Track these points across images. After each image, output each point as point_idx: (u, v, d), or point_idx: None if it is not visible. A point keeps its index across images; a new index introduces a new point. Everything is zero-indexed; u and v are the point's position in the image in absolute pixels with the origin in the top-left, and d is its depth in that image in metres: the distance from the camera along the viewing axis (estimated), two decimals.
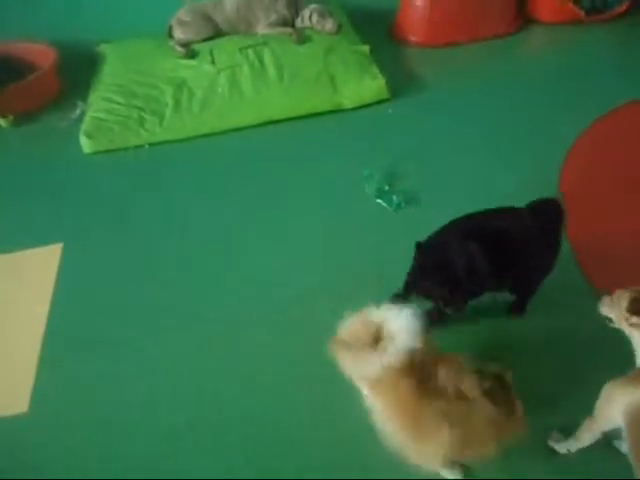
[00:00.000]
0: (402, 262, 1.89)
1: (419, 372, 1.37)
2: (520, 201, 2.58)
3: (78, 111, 3.54)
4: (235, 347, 2.14)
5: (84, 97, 3.59)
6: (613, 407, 1.45)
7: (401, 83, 3.56)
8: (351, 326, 1.46)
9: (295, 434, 1.84)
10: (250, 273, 2.43)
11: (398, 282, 1.95)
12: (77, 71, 3.88)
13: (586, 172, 2.82)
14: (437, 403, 1.33)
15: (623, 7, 4.04)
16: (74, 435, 1.91)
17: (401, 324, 1.35)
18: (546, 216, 1.88)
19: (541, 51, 4.04)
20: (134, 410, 1.96)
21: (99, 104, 3.41)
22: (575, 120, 3.10)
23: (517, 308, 2.07)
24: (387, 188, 2.77)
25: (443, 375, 1.37)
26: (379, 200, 2.71)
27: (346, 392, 1.84)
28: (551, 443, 1.69)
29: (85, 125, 3.30)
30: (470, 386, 1.36)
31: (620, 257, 2.30)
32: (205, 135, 3.30)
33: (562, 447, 1.67)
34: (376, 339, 1.38)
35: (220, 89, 3.38)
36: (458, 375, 1.38)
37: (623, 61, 3.68)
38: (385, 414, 1.42)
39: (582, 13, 3.99)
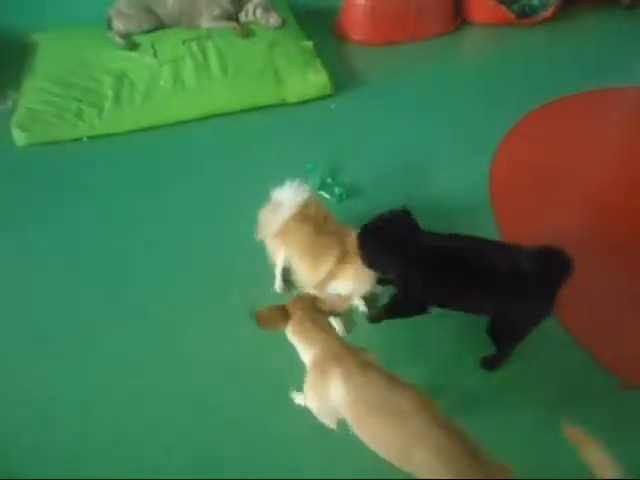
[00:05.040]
0: None
1: (315, 221, 2.02)
2: (453, 194, 2.75)
3: (9, 102, 3.38)
4: (175, 340, 2.14)
5: (16, 88, 3.43)
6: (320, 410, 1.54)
7: (344, 79, 3.65)
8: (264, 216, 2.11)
9: (238, 425, 1.86)
10: (191, 265, 2.43)
11: None
12: (7, 60, 3.69)
13: (515, 164, 3.00)
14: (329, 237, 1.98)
15: (550, 12, 4.33)
16: (12, 428, 1.87)
17: (285, 193, 2.04)
18: (547, 266, 1.66)
19: (475, 51, 4.25)
20: (72, 407, 1.93)
21: (33, 95, 3.27)
22: (506, 115, 3.29)
23: (490, 363, 1.98)
24: (330, 180, 2.84)
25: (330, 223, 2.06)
26: (322, 192, 2.77)
27: (289, 385, 1.91)
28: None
29: (18, 117, 3.16)
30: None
31: None
32: (146, 128, 3.24)
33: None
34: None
35: (162, 82, 3.33)
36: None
37: (549, 61, 3.93)
38: (294, 253, 2.04)
39: (513, 16, 4.24)
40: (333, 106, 3.46)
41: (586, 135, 3.21)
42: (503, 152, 3.04)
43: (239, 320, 2.12)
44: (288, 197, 2.03)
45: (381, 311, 2.09)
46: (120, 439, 1.83)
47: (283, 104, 3.42)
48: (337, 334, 1.57)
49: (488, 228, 2.53)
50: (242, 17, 3.80)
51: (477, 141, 3.12)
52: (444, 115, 3.37)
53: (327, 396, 1.45)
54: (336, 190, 2.76)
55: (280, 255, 2.17)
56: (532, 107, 3.37)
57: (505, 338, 1.92)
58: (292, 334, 1.55)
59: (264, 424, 1.86)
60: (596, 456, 1.20)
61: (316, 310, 1.56)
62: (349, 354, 1.47)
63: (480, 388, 1.94)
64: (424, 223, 2.49)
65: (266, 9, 3.73)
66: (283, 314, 1.55)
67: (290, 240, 2.05)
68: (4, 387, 2.00)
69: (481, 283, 1.75)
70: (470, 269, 1.75)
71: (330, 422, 1.56)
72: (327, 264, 1.96)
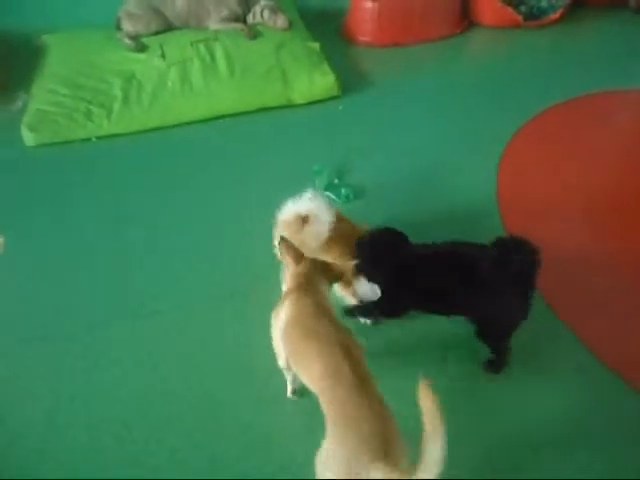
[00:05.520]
0: None
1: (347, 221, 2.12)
2: (460, 195, 2.75)
3: (19, 103, 3.42)
4: (181, 337, 2.14)
5: (26, 88, 3.47)
6: (275, 336, 1.65)
7: (351, 81, 3.66)
8: (281, 227, 2.08)
9: (241, 425, 1.86)
10: (196, 265, 2.45)
11: None
12: (18, 62, 3.74)
13: (522, 166, 3.00)
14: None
15: (557, 14, 4.33)
16: (16, 428, 1.87)
17: (318, 205, 2.02)
18: (513, 258, 1.63)
19: (482, 52, 4.25)
20: (75, 407, 1.93)
21: (43, 96, 3.31)
22: (513, 117, 3.29)
23: (491, 366, 1.98)
24: (336, 181, 2.85)
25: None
26: (328, 193, 2.77)
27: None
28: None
29: (27, 117, 3.19)
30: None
31: (558, 255, 2.43)
32: (154, 129, 3.27)
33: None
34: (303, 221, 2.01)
35: (170, 83, 3.36)
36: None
37: (556, 63, 3.93)
38: (337, 255, 2.00)
39: (520, 18, 4.24)
40: (340, 107, 3.47)
41: (592, 138, 3.21)
42: (510, 154, 3.03)
43: (244, 320, 2.16)
44: (319, 206, 2.05)
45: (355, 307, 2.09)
46: (123, 438, 1.84)
47: (290, 105, 3.43)
48: (320, 289, 1.65)
49: (496, 230, 2.50)
50: (250, 19, 3.82)
51: (484, 142, 3.12)
52: (451, 117, 3.37)
53: (279, 322, 1.59)
54: (343, 191, 2.76)
55: None
56: (539, 109, 3.36)
57: (493, 338, 1.91)
58: (290, 274, 1.70)
59: (268, 425, 1.86)
60: (430, 413, 1.19)
61: (323, 270, 1.68)
62: (310, 291, 1.59)
63: (484, 390, 1.94)
64: (430, 226, 2.53)
65: (273, 11, 3.75)
66: (298, 257, 1.71)
67: (335, 244, 2.05)
68: (7, 387, 2.01)
69: (457, 287, 1.77)
70: (446, 274, 1.77)
71: (279, 351, 1.66)
72: None
